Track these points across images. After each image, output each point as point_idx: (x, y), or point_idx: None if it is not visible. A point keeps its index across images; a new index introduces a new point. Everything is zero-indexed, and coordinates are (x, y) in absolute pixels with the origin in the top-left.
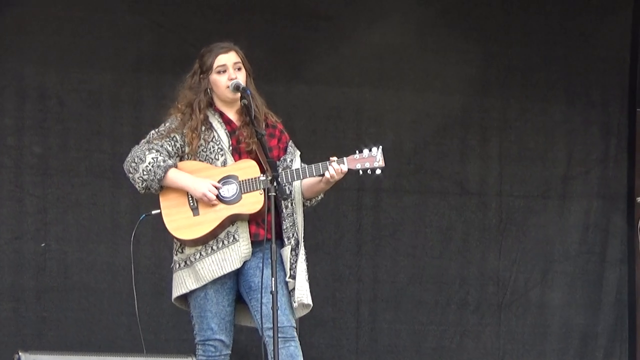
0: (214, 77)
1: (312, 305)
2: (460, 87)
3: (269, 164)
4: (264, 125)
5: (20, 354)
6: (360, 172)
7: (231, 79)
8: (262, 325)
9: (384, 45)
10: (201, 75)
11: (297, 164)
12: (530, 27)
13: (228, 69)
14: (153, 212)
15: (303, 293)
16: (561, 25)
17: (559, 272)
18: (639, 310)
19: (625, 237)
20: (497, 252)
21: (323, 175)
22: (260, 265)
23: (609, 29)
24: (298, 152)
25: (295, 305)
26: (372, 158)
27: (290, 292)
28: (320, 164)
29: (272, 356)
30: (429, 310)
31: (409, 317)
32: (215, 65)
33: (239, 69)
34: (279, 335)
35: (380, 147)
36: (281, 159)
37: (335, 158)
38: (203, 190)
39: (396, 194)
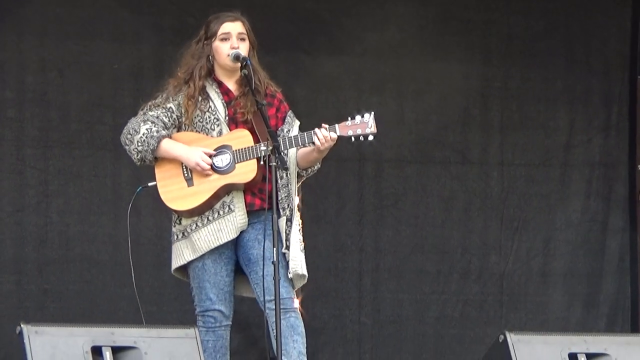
0: (216, 44)
1: (307, 275)
2: (461, 56)
3: (270, 134)
4: (263, 95)
5: (22, 326)
6: (352, 138)
7: (233, 48)
8: (263, 298)
9: (385, 14)
10: (205, 42)
11: (294, 133)
12: None
13: (231, 38)
14: (149, 184)
15: (297, 263)
16: None
17: (560, 240)
18: None
19: (627, 205)
20: (499, 221)
21: (314, 143)
22: (259, 237)
23: None
24: (297, 122)
25: (290, 275)
26: (363, 124)
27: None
28: (312, 131)
29: (274, 328)
30: (431, 280)
31: (411, 287)
32: (219, 32)
33: (243, 39)
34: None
35: (372, 112)
36: (279, 128)
37: (326, 125)
38: (196, 159)
39: (398, 163)
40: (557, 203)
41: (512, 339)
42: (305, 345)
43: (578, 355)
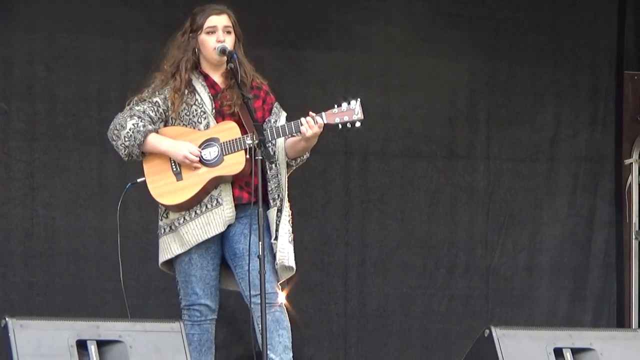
0: (202, 37)
1: (294, 268)
2: (449, 50)
3: (255, 127)
4: (249, 88)
5: (7, 319)
6: (340, 126)
7: (219, 41)
8: (249, 293)
9: (373, 9)
10: (190, 34)
11: (281, 124)
12: None
13: (217, 31)
14: (138, 180)
15: (285, 255)
16: None
17: (547, 235)
18: (626, 273)
19: (614, 199)
20: (486, 215)
21: (300, 132)
22: (245, 231)
23: None
24: (284, 114)
25: (277, 267)
26: (350, 111)
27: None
28: (298, 120)
29: (259, 322)
30: (417, 274)
31: (397, 281)
32: (205, 25)
33: (229, 32)
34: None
35: (359, 99)
36: (266, 120)
37: (313, 114)
38: (183, 152)
39: (384, 157)
40: (543, 197)
41: (498, 333)
42: (291, 339)
43: (563, 350)
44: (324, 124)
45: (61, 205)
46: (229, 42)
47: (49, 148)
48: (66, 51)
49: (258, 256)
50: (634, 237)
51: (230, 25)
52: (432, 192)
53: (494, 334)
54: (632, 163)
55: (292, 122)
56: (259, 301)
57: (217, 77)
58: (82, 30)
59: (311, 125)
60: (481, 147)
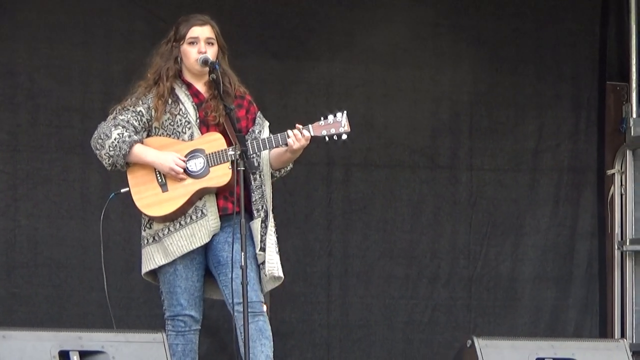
0: (184, 47)
1: (283, 277)
2: (431, 61)
3: (238, 138)
4: (233, 99)
5: None
6: (327, 138)
7: (200, 52)
8: (232, 301)
9: (354, 19)
10: (174, 43)
11: (265, 134)
12: (501, 1)
13: (199, 42)
14: (122, 190)
15: (273, 265)
16: None
17: (529, 245)
18: (609, 283)
19: (596, 210)
20: (468, 225)
21: (287, 144)
22: (229, 239)
23: (579, 2)
24: (267, 123)
25: (266, 278)
26: (337, 123)
27: (260, 266)
28: (284, 132)
29: (242, 331)
30: (400, 285)
31: (380, 292)
32: (188, 35)
33: (211, 44)
34: (248, 310)
35: (345, 112)
36: (249, 130)
37: (300, 126)
38: (169, 164)
39: (366, 168)
40: (526, 208)
41: (480, 343)
42: (273, 349)
43: None
44: (311, 136)
45: (44, 215)
46: (211, 53)
47: (31, 159)
48: (48, 61)
49: (240, 266)
50: (616, 247)
51: (213, 36)
52: (415, 203)
53: (476, 344)
54: (614, 174)
55: (278, 134)
56: (242, 309)
57: (200, 86)
58: (63, 40)
59: (299, 138)
60: (464, 157)
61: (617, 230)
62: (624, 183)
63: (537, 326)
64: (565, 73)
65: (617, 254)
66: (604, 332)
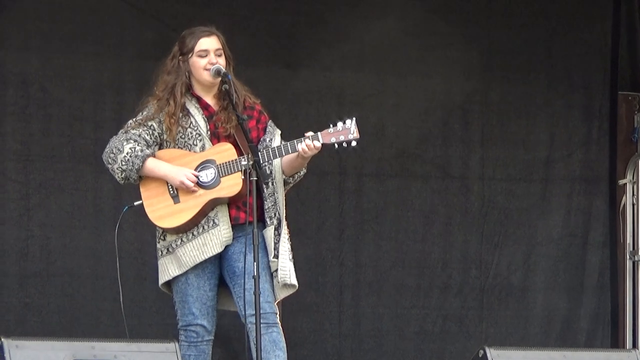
0: (194, 59)
1: (297, 285)
2: (442, 70)
3: (250, 148)
4: (242, 109)
5: (2, 340)
6: (336, 145)
7: (212, 64)
8: (245, 312)
9: (365, 28)
10: (180, 57)
11: (276, 142)
12: (512, 10)
13: (209, 54)
14: (135, 203)
15: (286, 273)
16: (543, 9)
17: (541, 255)
18: (621, 293)
19: (608, 220)
20: (480, 235)
21: (297, 151)
22: (244, 250)
23: (591, 12)
24: (278, 131)
25: (278, 285)
26: (346, 131)
27: (274, 273)
28: (295, 140)
29: (255, 342)
30: (412, 294)
31: (392, 301)
32: (196, 49)
33: (220, 55)
34: (261, 321)
35: (354, 118)
36: (261, 139)
37: (310, 133)
38: (180, 178)
39: (378, 178)
40: (537, 218)
41: (492, 354)
42: None
43: None
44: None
45: (56, 225)
46: (221, 63)
47: (44, 168)
48: (60, 71)
49: (253, 277)
50: (628, 257)
51: (221, 47)
52: (427, 213)
53: (488, 355)
54: (626, 184)
55: (288, 143)
56: (255, 321)
57: (209, 99)
58: (76, 50)
59: (310, 147)
60: (475, 167)
61: (629, 240)
62: (635, 193)
63: (549, 336)
64: (577, 83)
65: (628, 263)
66: (615, 342)
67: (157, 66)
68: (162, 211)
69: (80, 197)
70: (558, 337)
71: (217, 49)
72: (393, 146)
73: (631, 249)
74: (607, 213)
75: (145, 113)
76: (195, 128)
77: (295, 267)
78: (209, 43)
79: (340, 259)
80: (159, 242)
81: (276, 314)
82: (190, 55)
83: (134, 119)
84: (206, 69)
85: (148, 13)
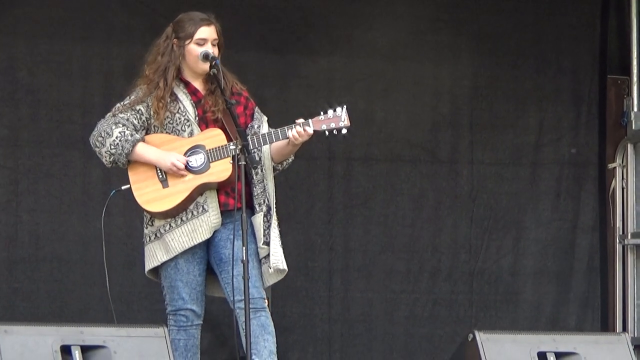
0: (191, 47)
1: (287, 270)
2: (431, 55)
3: (239, 132)
4: (229, 94)
5: None
6: (327, 132)
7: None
8: (233, 298)
9: (353, 13)
10: (175, 41)
11: (264, 129)
12: None
13: (207, 43)
14: (123, 187)
15: (278, 258)
16: None
17: (530, 239)
18: (610, 277)
19: (597, 204)
20: (469, 220)
21: (288, 137)
22: (231, 236)
23: None
24: (265, 118)
25: (270, 271)
26: (337, 118)
27: (262, 260)
28: (286, 127)
29: (244, 327)
30: (401, 279)
31: (381, 286)
32: (196, 36)
33: (215, 45)
34: (250, 306)
35: (345, 106)
36: (249, 125)
37: (301, 120)
38: (171, 159)
39: (367, 162)
40: (527, 202)
41: (482, 337)
42: (276, 344)
43: (547, 354)
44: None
45: (45, 210)
46: (215, 53)
47: (32, 154)
48: (48, 57)
49: (242, 261)
50: (617, 241)
51: (217, 37)
52: (416, 197)
53: (477, 338)
54: (615, 167)
55: (279, 129)
56: (244, 306)
57: (197, 84)
58: (63, 35)
59: (301, 134)
60: (464, 151)
61: (619, 224)
62: (625, 177)
63: (539, 320)
64: (566, 67)
65: (618, 247)
66: (605, 326)
67: (146, 52)
68: (150, 195)
69: (69, 182)
70: (547, 321)
71: (215, 39)
72: (382, 131)
73: (620, 232)
74: (596, 197)
75: (133, 97)
76: (184, 114)
77: (284, 252)
78: (208, 32)
79: (330, 244)
80: (146, 228)
81: (264, 299)
82: (188, 42)
83: (121, 103)
84: (198, 55)
85: None
